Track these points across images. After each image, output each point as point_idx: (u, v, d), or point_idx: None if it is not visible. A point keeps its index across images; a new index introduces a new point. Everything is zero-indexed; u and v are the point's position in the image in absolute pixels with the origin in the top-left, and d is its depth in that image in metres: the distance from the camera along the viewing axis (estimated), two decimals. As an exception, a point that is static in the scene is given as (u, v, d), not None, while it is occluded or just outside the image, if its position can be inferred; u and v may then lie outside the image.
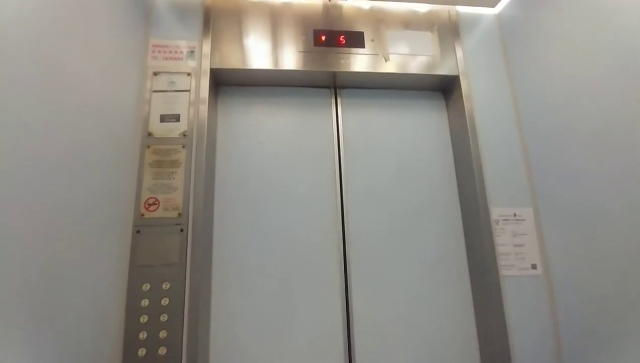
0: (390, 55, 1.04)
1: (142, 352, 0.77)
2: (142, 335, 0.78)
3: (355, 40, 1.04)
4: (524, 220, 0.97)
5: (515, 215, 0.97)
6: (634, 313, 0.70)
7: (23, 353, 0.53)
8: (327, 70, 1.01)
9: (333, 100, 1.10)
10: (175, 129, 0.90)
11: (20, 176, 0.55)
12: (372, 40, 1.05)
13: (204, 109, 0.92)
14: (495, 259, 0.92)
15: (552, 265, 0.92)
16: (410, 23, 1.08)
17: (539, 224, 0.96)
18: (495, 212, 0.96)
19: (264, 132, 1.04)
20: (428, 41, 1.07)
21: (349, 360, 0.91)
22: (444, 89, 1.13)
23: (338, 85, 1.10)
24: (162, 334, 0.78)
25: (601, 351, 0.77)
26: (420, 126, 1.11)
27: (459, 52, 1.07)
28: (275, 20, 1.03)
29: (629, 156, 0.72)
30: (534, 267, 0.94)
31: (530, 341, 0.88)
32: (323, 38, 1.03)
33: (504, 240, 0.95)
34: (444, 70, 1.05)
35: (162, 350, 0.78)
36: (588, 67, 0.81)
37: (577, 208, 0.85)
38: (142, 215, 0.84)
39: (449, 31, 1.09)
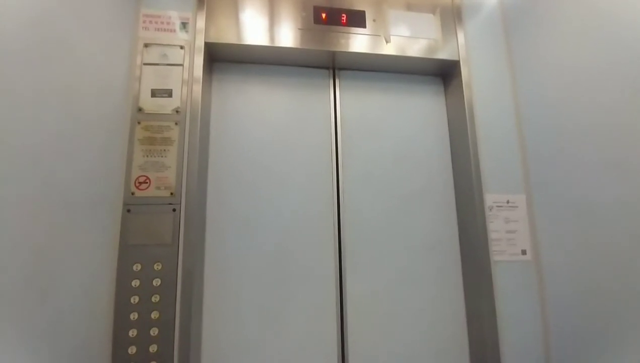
0: (391, 37, 1.01)
1: (133, 332, 0.76)
2: (133, 316, 0.76)
3: (357, 19, 1.01)
4: (516, 206, 0.98)
5: (508, 201, 0.98)
6: (622, 301, 0.72)
7: (12, 331, 0.51)
8: (326, 49, 0.98)
9: (331, 82, 1.07)
10: (167, 105, 0.86)
11: (10, 152, 0.51)
12: (374, 20, 1.02)
13: (197, 84, 0.88)
14: (487, 244, 0.93)
15: (542, 251, 0.95)
16: (412, 4, 1.05)
17: (531, 211, 0.98)
18: (490, 199, 0.97)
19: (259, 111, 1.01)
20: (430, 24, 1.05)
21: (342, 340, 0.92)
22: (444, 74, 1.12)
23: (337, 66, 1.07)
24: (154, 315, 0.77)
25: (589, 338, 0.80)
26: (418, 111, 1.10)
27: (461, 37, 1.05)
28: (274, -7, 0.98)
29: (625, 149, 0.72)
30: (524, 252, 0.96)
31: (519, 325, 0.90)
32: (324, 15, 0.99)
33: (496, 226, 0.96)
34: (444, 54, 1.03)
35: (154, 331, 0.77)
36: (590, 58, 0.81)
37: (569, 197, 0.86)
38: (133, 193, 0.81)
39: (451, 15, 1.06)
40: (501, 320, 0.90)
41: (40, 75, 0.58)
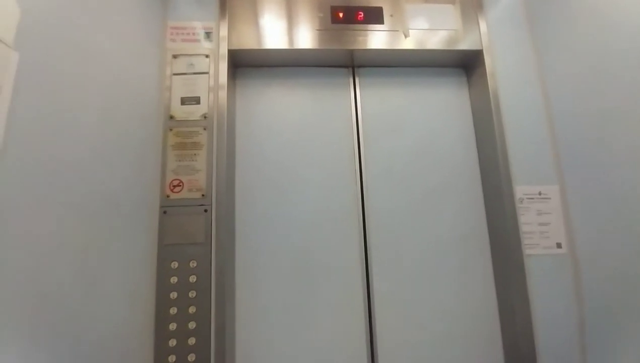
0: (410, 31, 1.01)
1: (172, 326, 0.81)
2: (173, 311, 0.81)
3: (374, 16, 1.01)
4: (549, 198, 0.94)
5: (540, 193, 0.94)
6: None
7: (63, 323, 0.56)
8: (345, 48, 0.99)
9: (351, 80, 1.08)
10: (195, 112, 0.91)
11: (57, 160, 0.56)
12: (391, 16, 1.01)
13: (223, 90, 0.92)
14: (519, 238, 0.91)
15: (578, 244, 0.90)
16: (431, -4, 1.04)
17: (565, 203, 0.94)
18: (520, 191, 0.94)
19: (282, 113, 1.04)
20: (450, 14, 1.03)
21: (370, 334, 0.93)
22: (466, 65, 1.09)
23: (356, 64, 1.08)
24: (191, 309, 0.82)
25: (626, 331, 0.76)
26: (441, 104, 1.08)
27: (483, 26, 1.02)
28: (291, -3, 1.01)
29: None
30: (559, 246, 0.92)
31: (554, 320, 0.87)
32: (341, 15, 1.00)
33: (528, 219, 0.93)
34: (466, 45, 1.01)
35: (192, 325, 0.81)
36: (620, 40, 0.76)
37: (605, 186, 0.82)
38: (168, 196, 0.86)
39: (472, 3, 1.04)
40: (536, 315, 0.87)
41: (81, 89, 0.63)
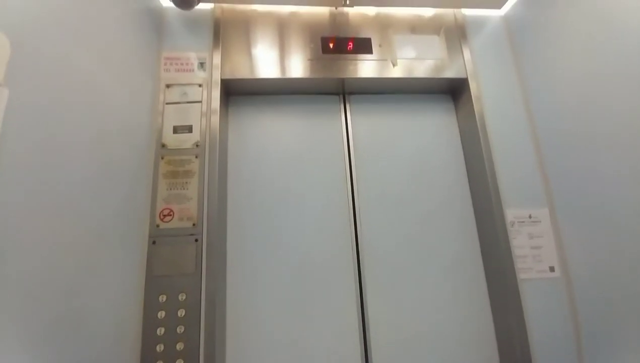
0: (398, 60, 1.04)
1: (159, 364, 0.77)
2: (159, 348, 0.78)
3: (363, 46, 1.05)
4: (539, 221, 0.95)
5: (530, 216, 0.95)
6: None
7: (45, 360, 0.53)
8: (335, 76, 1.02)
9: (342, 107, 1.10)
10: (188, 140, 0.91)
11: (47, 191, 0.55)
12: (380, 46, 1.05)
13: (215, 119, 0.93)
14: (512, 262, 0.91)
15: (571, 266, 0.91)
16: (416, 27, 1.09)
17: (555, 225, 0.95)
18: (510, 214, 0.95)
19: (274, 141, 1.05)
20: (435, 44, 1.08)
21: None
22: (453, 91, 1.13)
23: (347, 92, 1.11)
24: (179, 346, 0.78)
25: (622, 351, 0.76)
26: (431, 130, 1.11)
27: (467, 54, 1.07)
28: (283, 29, 1.04)
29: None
30: (552, 269, 0.92)
31: (551, 344, 0.86)
32: (331, 45, 1.03)
33: (520, 243, 0.93)
34: (452, 72, 1.05)
35: None
36: (600, 64, 0.80)
37: (594, 207, 0.83)
38: (158, 226, 0.84)
39: (456, 34, 1.09)
40: (533, 340, 0.85)
41: (72, 120, 0.62)
